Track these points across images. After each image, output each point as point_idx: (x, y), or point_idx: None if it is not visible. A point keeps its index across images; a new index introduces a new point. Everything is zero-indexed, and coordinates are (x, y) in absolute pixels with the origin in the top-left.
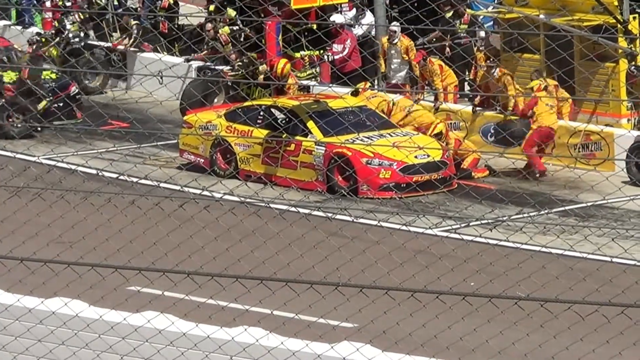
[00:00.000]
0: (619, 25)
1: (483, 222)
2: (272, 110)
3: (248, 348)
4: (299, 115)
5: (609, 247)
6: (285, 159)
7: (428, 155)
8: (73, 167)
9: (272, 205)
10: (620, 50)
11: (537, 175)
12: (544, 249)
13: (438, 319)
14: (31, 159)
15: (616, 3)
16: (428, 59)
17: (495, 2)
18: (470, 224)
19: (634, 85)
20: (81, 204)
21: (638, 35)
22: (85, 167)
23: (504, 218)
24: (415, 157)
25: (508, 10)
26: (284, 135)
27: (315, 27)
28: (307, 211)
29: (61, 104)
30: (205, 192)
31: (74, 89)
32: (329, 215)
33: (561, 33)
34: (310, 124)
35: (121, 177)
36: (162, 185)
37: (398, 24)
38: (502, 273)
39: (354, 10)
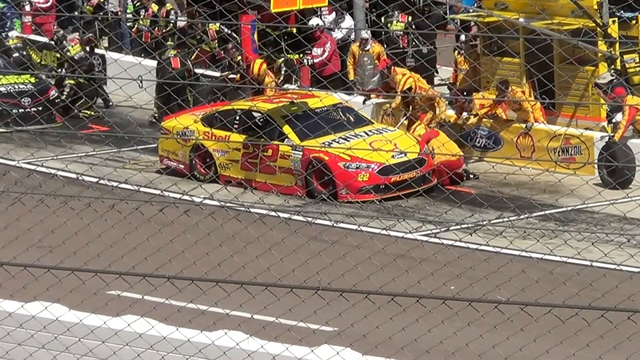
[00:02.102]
0: (598, 29)
1: (463, 226)
2: (249, 114)
3: (228, 352)
4: (275, 120)
5: (589, 251)
6: (264, 163)
7: (405, 154)
8: (53, 171)
9: (252, 210)
10: (599, 54)
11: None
12: (524, 253)
13: (418, 323)
14: (11, 163)
15: (596, 7)
16: (393, 69)
17: (475, 5)
18: (450, 228)
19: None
20: (61, 208)
21: (617, 38)
22: (65, 171)
23: (484, 222)
24: (392, 156)
25: (487, 14)
26: (261, 140)
27: (294, 30)
28: (287, 215)
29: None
30: (185, 197)
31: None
32: (309, 219)
33: (541, 37)
34: (287, 129)
35: (101, 182)
36: (142, 189)
37: (369, 30)
38: (482, 277)
39: (334, 14)
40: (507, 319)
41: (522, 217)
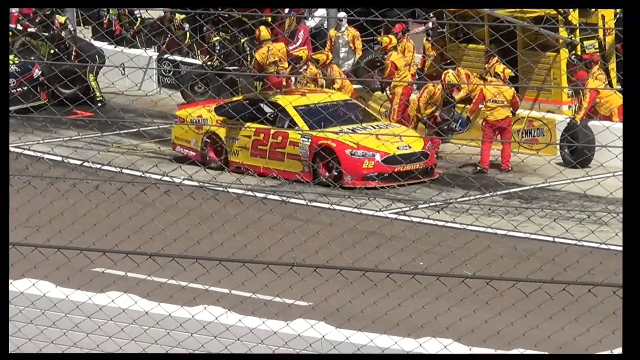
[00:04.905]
0: (559, 16)
1: (431, 204)
2: (260, 106)
3: (208, 326)
4: (285, 109)
5: (551, 228)
6: (272, 150)
7: (409, 147)
8: (39, 154)
9: (229, 190)
10: (560, 40)
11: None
12: (489, 230)
13: (389, 297)
14: None
15: None
16: (407, 37)
17: None
18: (419, 206)
19: (573, 74)
20: (47, 190)
21: (578, 25)
22: (50, 154)
23: (451, 200)
24: (397, 148)
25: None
26: (272, 127)
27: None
28: (263, 195)
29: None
30: (165, 177)
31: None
32: (284, 198)
33: (504, 24)
34: (297, 118)
35: (85, 164)
36: (124, 171)
37: (344, 13)
38: (449, 253)
39: None
40: (473, 293)
41: (487, 195)
